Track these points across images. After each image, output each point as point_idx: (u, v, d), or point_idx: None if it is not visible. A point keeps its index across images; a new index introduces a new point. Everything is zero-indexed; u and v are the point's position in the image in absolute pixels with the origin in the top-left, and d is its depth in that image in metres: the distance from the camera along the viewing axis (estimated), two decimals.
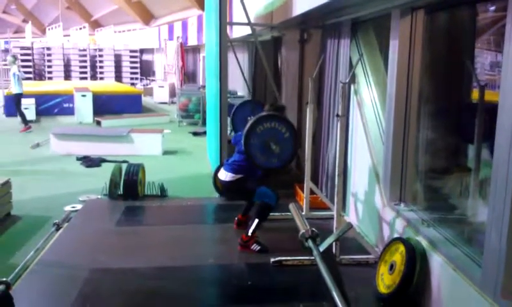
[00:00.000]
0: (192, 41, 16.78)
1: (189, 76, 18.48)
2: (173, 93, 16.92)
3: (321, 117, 5.83)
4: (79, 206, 5.73)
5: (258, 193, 4.44)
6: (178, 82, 14.73)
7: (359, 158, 4.95)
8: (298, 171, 7.20)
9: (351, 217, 5.06)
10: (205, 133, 10.28)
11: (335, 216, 4.06)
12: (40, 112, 13.78)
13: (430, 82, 4.18)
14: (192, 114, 12.98)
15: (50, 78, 22.29)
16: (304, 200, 5.29)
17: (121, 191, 5.94)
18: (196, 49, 18.94)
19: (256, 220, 4.38)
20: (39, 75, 22.72)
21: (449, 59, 4.29)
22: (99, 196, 6.08)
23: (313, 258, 4.15)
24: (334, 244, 4.05)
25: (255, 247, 4.35)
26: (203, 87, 13.97)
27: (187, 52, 18.91)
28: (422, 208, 3.99)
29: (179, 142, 10.23)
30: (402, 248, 3.55)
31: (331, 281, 2.26)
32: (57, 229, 4.98)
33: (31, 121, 12.30)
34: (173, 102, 16.57)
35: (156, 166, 7.86)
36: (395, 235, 3.93)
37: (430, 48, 4.05)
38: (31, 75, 21.82)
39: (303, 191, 5.79)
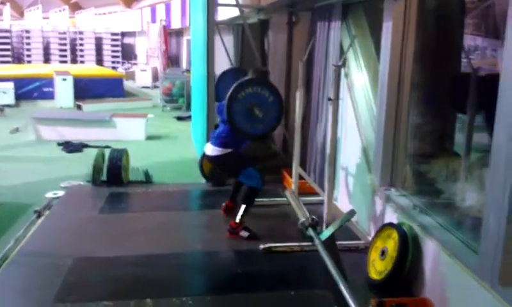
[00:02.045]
0: (175, 24, 16.48)
1: (172, 60, 18.17)
2: (155, 77, 16.63)
3: (310, 101, 5.73)
4: (60, 193, 5.56)
5: (244, 173, 4.31)
6: (161, 65, 14.46)
7: (349, 143, 4.87)
8: (285, 156, 7.11)
9: (340, 202, 4.99)
10: (189, 117, 10.12)
11: (326, 204, 3.98)
12: (19, 96, 13.37)
13: (423, 66, 4.11)
14: (176, 99, 12.78)
15: (29, 61, 21.73)
16: (293, 185, 5.21)
17: (104, 177, 5.78)
18: (179, 32, 18.61)
19: (244, 206, 4.28)
20: (18, 59, 22.13)
21: (442, 42, 4.22)
22: (82, 183, 5.92)
23: (303, 244, 4.13)
24: (325, 228, 3.98)
25: (244, 233, 4.26)
26: (187, 71, 13.77)
27: (171, 35, 18.55)
28: (414, 193, 3.92)
29: (163, 127, 10.06)
30: (394, 234, 3.50)
31: (337, 271, 2.18)
32: (38, 217, 4.82)
33: (9, 106, 11.97)
34: (155, 86, 16.30)
35: (140, 152, 7.69)
36: (387, 221, 3.88)
37: (423, 32, 3.97)
38: (9, 59, 21.26)
39: (290, 176, 5.71)
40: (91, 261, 3.83)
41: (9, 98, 12.70)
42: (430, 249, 3.22)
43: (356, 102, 4.69)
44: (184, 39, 17.62)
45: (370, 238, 4.15)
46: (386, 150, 4.09)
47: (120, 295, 3.33)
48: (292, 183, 5.23)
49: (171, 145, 8.62)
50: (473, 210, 3.36)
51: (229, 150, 4.28)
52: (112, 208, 5.05)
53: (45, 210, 5.02)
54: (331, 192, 4.03)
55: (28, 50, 22.04)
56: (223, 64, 10.83)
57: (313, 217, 3.83)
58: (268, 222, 4.67)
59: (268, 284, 3.51)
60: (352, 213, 3.63)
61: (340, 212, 4.46)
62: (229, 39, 10.29)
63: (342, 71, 4.87)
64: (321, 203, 5.10)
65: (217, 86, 5.86)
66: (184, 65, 17.44)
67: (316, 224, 3.77)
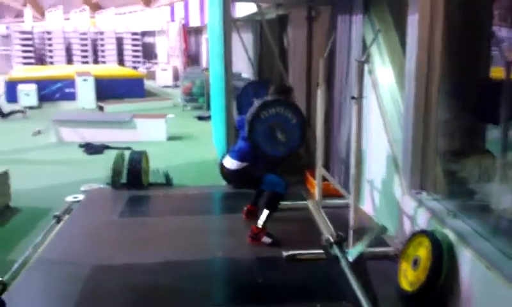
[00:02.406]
0: (194, 22, 16.38)
1: (192, 58, 18.12)
2: (176, 76, 16.58)
3: (332, 98, 5.53)
4: (80, 197, 5.49)
5: (266, 181, 4.17)
6: (181, 64, 14.39)
7: (374, 142, 4.66)
8: (308, 156, 6.92)
9: (366, 206, 4.79)
10: (209, 117, 10.00)
11: (352, 209, 3.79)
12: (42, 98, 13.46)
13: (451, 59, 3.88)
14: (197, 98, 12.68)
15: (51, 62, 21.93)
16: (316, 188, 5.02)
17: (124, 180, 5.70)
18: (198, 30, 18.53)
19: (266, 211, 4.12)
20: (40, 60, 22.38)
21: (471, 33, 3.99)
22: (102, 186, 5.84)
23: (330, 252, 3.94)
24: (351, 235, 3.80)
25: (266, 239, 4.10)
26: (207, 69, 13.66)
27: (190, 33, 18.50)
28: (447, 197, 3.71)
29: (184, 127, 9.96)
30: (427, 242, 3.28)
31: (365, 299, 2.00)
32: (58, 222, 4.73)
33: (32, 108, 12.05)
34: (176, 86, 16.24)
35: (160, 153, 7.61)
36: (418, 227, 3.66)
37: (451, 23, 3.75)
38: (32, 60, 21.51)
39: (314, 178, 5.52)
40: (109, 269, 3.73)
41: (33, 100, 12.81)
42: (466, 259, 3.00)
43: (382, 100, 4.48)
44: (203, 37, 17.53)
45: (399, 244, 3.95)
46: (415, 150, 3.87)
47: (138, 305, 3.22)
48: (316, 185, 5.04)
49: (192, 146, 8.51)
50: None
51: (248, 164, 4.17)
52: (132, 212, 4.96)
53: (65, 214, 4.94)
54: (357, 196, 3.84)
55: (50, 51, 22.23)
56: (241, 62, 10.71)
57: (339, 232, 3.61)
58: (291, 227, 4.49)
59: (292, 296, 3.34)
60: (383, 229, 3.44)
61: (367, 217, 4.26)
62: (248, 37, 10.14)
63: (366, 67, 4.67)
64: (346, 206, 4.92)
65: (239, 98, 5.76)
66: (204, 64, 17.35)
67: (342, 241, 3.57)
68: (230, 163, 4.23)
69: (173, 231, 4.39)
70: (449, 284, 3.09)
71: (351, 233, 3.81)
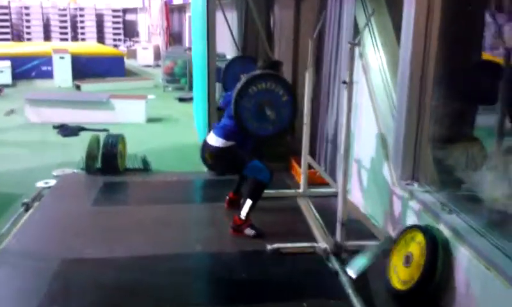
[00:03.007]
0: None
1: (174, 37, 17.62)
2: (157, 56, 16.12)
3: (320, 82, 5.28)
4: (52, 182, 5.18)
5: (250, 167, 3.88)
6: (163, 43, 13.95)
7: (364, 129, 4.43)
8: (293, 142, 6.68)
9: (354, 196, 4.57)
10: (191, 99, 9.68)
11: (340, 199, 3.56)
12: (17, 76, 12.94)
13: (449, 44, 3.65)
14: (178, 79, 12.29)
15: (29, 39, 21.25)
16: (302, 176, 4.78)
17: (99, 165, 5.39)
18: (181, 8, 18.00)
19: (249, 201, 3.87)
20: (18, 36, 21.64)
21: (466, 18, 3.77)
22: (75, 170, 5.52)
23: (316, 245, 3.73)
24: (340, 228, 3.58)
25: (249, 231, 3.85)
26: (190, 49, 13.26)
27: (172, 11, 17.98)
28: (440, 189, 3.51)
29: (164, 109, 9.62)
30: (420, 237, 3.08)
31: (357, 298, 1.77)
32: (27, 210, 4.45)
33: (7, 86, 11.54)
34: (157, 65, 15.78)
35: (139, 135, 7.28)
36: (409, 220, 3.47)
37: (448, 7, 3.51)
38: (8, 36, 20.77)
39: (299, 165, 5.29)
40: (79, 263, 3.45)
41: (6, 78, 12.28)
42: (463, 257, 2.81)
43: (373, 85, 4.24)
44: (187, 15, 17.02)
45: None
46: (407, 138, 3.65)
47: (109, 305, 2.96)
48: (301, 173, 4.81)
49: (172, 129, 8.19)
50: None
51: (233, 143, 3.86)
52: (106, 200, 4.66)
53: (34, 201, 4.65)
54: (345, 186, 3.61)
55: (28, 27, 21.57)
56: (225, 43, 10.35)
57: (337, 240, 3.36)
58: (275, 217, 4.26)
59: (277, 293, 3.12)
60: (390, 241, 3.22)
61: (356, 209, 4.04)
62: (232, 16, 9.77)
63: (357, 50, 4.42)
64: (333, 195, 4.72)
65: (224, 74, 5.29)
66: (187, 43, 16.89)
67: (341, 251, 3.35)
68: (214, 140, 3.91)
69: (149, 222, 4.12)
70: (444, 283, 2.90)
71: (339, 226, 3.59)
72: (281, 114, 3.61)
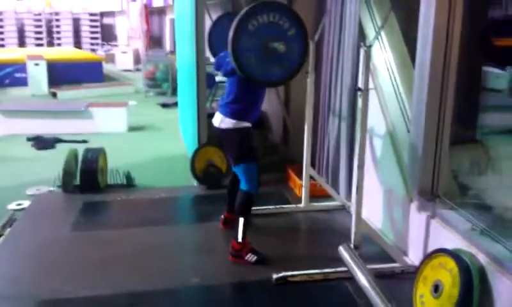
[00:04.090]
0: (157, 2, 15.37)
1: (154, 40, 17.07)
2: (137, 60, 15.55)
3: (318, 87, 4.87)
4: (25, 203, 4.66)
5: (246, 166, 3.43)
6: (143, 47, 13.43)
7: (373, 138, 4.03)
8: (286, 149, 6.28)
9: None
10: (175, 104, 9.20)
11: (354, 221, 3.16)
12: None
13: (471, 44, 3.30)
14: (160, 83, 11.77)
15: (2, 45, 20.47)
16: (303, 190, 4.38)
17: (78, 181, 4.89)
18: (162, 11, 17.46)
19: (242, 220, 3.44)
20: None
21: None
22: (51, 188, 5.01)
23: (326, 270, 3.32)
24: (353, 249, 3.17)
25: (251, 257, 3.42)
26: (171, 52, 12.78)
27: (152, 14, 17.42)
28: (465, 205, 3.13)
29: (146, 116, 9.11)
30: (451, 264, 2.69)
31: None
32: None
33: None
34: (138, 69, 15.22)
35: (121, 146, 6.79)
36: (432, 241, 3.09)
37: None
38: None
39: (297, 175, 4.89)
40: (57, 305, 2.97)
41: None
42: (504, 287, 2.43)
43: (382, 89, 3.85)
44: (167, 18, 16.51)
45: (406, 260, 3.36)
46: (427, 147, 3.27)
47: None
48: (302, 186, 4.39)
49: (156, 138, 7.69)
50: None
51: (244, 125, 3.37)
52: (86, 224, 4.17)
53: (6, 227, 4.14)
54: (359, 204, 3.21)
55: (1, 33, 20.78)
56: None
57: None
58: (277, 237, 3.85)
59: None
60: None
61: (365, 224, 3.63)
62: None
63: (362, 52, 4.03)
64: (337, 209, 4.37)
65: (211, 34, 4.51)
66: (168, 46, 16.37)
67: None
68: (219, 120, 3.43)
69: (135, 250, 3.64)
70: None
71: (352, 247, 3.19)
72: (289, 53, 3.04)
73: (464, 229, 2.87)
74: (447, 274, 2.70)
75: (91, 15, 21.91)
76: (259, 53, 3.01)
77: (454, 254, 2.71)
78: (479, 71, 4.01)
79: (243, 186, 3.47)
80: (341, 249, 3.13)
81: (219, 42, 4.13)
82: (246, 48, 2.98)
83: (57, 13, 21.51)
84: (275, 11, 3.01)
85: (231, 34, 2.99)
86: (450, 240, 2.91)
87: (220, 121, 3.44)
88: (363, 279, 2.89)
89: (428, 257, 2.90)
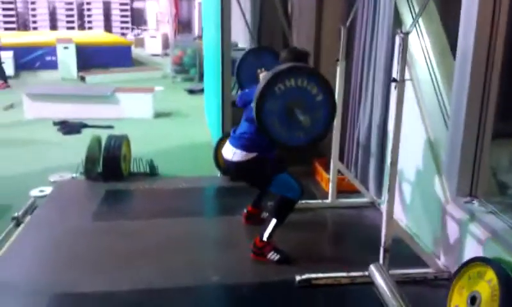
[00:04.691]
0: None
1: (183, 25, 16.95)
2: (166, 44, 15.49)
3: (349, 76, 4.63)
4: (48, 190, 4.62)
5: (277, 182, 3.28)
6: (171, 31, 13.32)
7: (407, 133, 3.77)
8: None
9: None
10: (202, 91, 9.08)
11: (385, 221, 2.95)
12: (20, 67, 12.39)
13: None
14: (188, 69, 11.66)
15: (35, 28, 20.74)
16: (331, 185, 4.18)
17: (100, 169, 4.82)
18: None
19: (274, 221, 3.27)
20: (23, 25, 21.15)
21: None
22: (74, 175, 4.96)
23: (354, 274, 3.13)
24: (383, 255, 2.98)
25: (273, 255, 3.26)
26: (200, 37, 12.61)
27: None
28: (506, 207, 2.89)
29: (173, 102, 9.03)
30: (490, 275, 2.47)
31: None
32: (17, 225, 3.90)
33: (9, 77, 10.99)
34: (166, 54, 15.16)
35: (146, 133, 6.72)
36: (469, 249, 2.86)
37: None
38: (14, 25, 20.27)
39: (324, 169, 4.70)
40: (75, 299, 2.89)
41: (9, 69, 11.70)
42: None
43: (418, 80, 3.60)
44: (196, 2, 16.34)
45: (440, 265, 3.14)
46: (466, 145, 3.02)
47: None
48: (330, 181, 4.20)
49: (182, 125, 7.59)
50: None
51: (255, 155, 3.24)
52: (107, 213, 4.08)
53: (26, 215, 4.09)
54: (391, 203, 2.99)
55: (34, 16, 21.06)
56: (236, 30, 9.68)
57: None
58: (301, 235, 3.67)
59: None
60: None
61: (397, 226, 3.41)
62: (245, 2, 9.12)
63: (397, 40, 3.77)
64: (366, 206, 4.17)
65: (239, 70, 4.44)
66: (196, 31, 16.22)
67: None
68: (231, 153, 3.30)
69: (157, 243, 3.53)
70: None
71: (382, 252, 2.99)
72: (315, 118, 2.92)
73: (505, 235, 2.63)
74: (485, 286, 2.48)
75: None
76: (284, 117, 2.90)
77: (494, 264, 2.48)
78: None
79: (286, 196, 3.29)
80: (372, 268, 2.93)
81: (245, 77, 4.18)
82: (270, 111, 2.87)
83: None
84: (303, 76, 2.87)
85: (256, 95, 2.88)
86: (489, 247, 2.68)
87: (232, 154, 3.29)
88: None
89: (465, 265, 2.67)
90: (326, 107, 2.92)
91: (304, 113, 2.84)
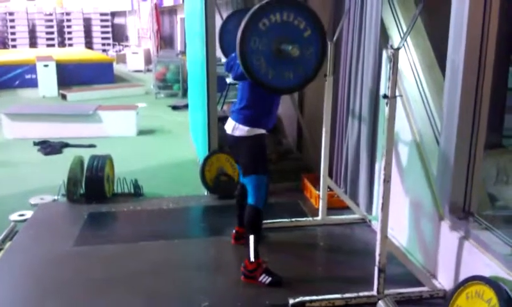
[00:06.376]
0: (168, 1, 15.17)
1: (165, 40, 16.88)
2: (148, 60, 15.38)
3: (336, 91, 4.58)
4: (28, 214, 4.45)
5: (255, 179, 3.17)
6: (153, 47, 13.23)
7: (398, 148, 3.73)
8: (301, 155, 6.00)
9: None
10: (186, 106, 8.98)
11: (379, 238, 2.88)
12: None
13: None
14: (171, 85, 11.56)
15: (14, 46, 20.46)
16: (321, 202, 4.09)
17: (83, 190, 4.67)
18: (172, 10, 17.27)
19: (252, 237, 3.18)
20: (2, 43, 20.88)
21: None
22: (56, 197, 4.79)
23: (348, 295, 3.04)
24: (377, 275, 2.90)
25: (265, 278, 3.14)
26: (182, 53, 12.57)
27: (163, 13, 17.24)
28: (502, 225, 2.83)
29: (156, 118, 8.91)
30: (490, 294, 2.39)
31: None
32: None
33: None
34: (148, 70, 15.05)
35: (129, 151, 6.59)
36: (465, 266, 2.79)
37: None
38: None
39: (313, 184, 4.61)
40: None
41: None
42: None
43: (407, 94, 3.55)
44: (178, 17, 16.30)
45: (436, 284, 3.07)
46: (459, 160, 2.97)
47: None
48: (320, 198, 4.11)
49: (166, 142, 7.47)
50: None
51: (259, 131, 3.15)
52: (90, 237, 3.92)
53: (6, 241, 3.93)
54: (385, 222, 2.92)
55: (13, 33, 20.79)
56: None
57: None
58: (293, 255, 3.57)
59: None
60: None
61: (396, 249, 3.31)
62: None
63: (384, 53, 3.73)
64: (357, 222, 4.09)
65: (221, 34, 4.11)
66: (179, 47, 16.16)
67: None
68: (232, 127, 3.20)
69: (141, 268, 3.38)
70: None
71: (376, 272, 2.91)
72: (304, 56, 2.72)
73: (502, 253, 2.57)
74: (484, 306, 2.41)
75: (102, 14, 21.85)
76: (270, 56, 2.71)
77: (493, 283, 2.41)
78: (505, 71, 3.72)
79: (250, 200, 3.22)
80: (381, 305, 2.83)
81: (231, 42, 3.64)
82: (255, 50, 2.67)
83: (68, 13, 21.50)
84: (289, 9, 2.69)
85: (239, 33, 2.69)
86: (487, 265, 2.62)
87: (233, 128, 3.21)
88: None
89: (462, 284, 2.60)
90: (315, 44, 2.76)
91: (292, 44, 2.65)
